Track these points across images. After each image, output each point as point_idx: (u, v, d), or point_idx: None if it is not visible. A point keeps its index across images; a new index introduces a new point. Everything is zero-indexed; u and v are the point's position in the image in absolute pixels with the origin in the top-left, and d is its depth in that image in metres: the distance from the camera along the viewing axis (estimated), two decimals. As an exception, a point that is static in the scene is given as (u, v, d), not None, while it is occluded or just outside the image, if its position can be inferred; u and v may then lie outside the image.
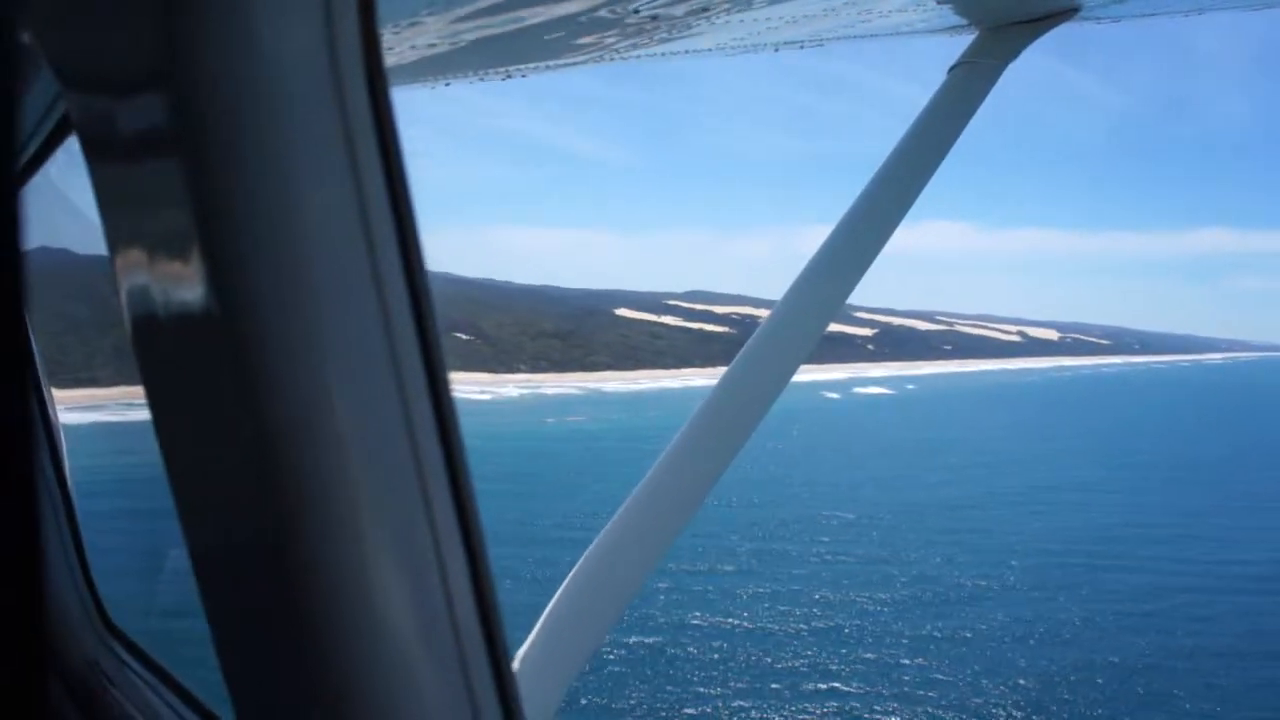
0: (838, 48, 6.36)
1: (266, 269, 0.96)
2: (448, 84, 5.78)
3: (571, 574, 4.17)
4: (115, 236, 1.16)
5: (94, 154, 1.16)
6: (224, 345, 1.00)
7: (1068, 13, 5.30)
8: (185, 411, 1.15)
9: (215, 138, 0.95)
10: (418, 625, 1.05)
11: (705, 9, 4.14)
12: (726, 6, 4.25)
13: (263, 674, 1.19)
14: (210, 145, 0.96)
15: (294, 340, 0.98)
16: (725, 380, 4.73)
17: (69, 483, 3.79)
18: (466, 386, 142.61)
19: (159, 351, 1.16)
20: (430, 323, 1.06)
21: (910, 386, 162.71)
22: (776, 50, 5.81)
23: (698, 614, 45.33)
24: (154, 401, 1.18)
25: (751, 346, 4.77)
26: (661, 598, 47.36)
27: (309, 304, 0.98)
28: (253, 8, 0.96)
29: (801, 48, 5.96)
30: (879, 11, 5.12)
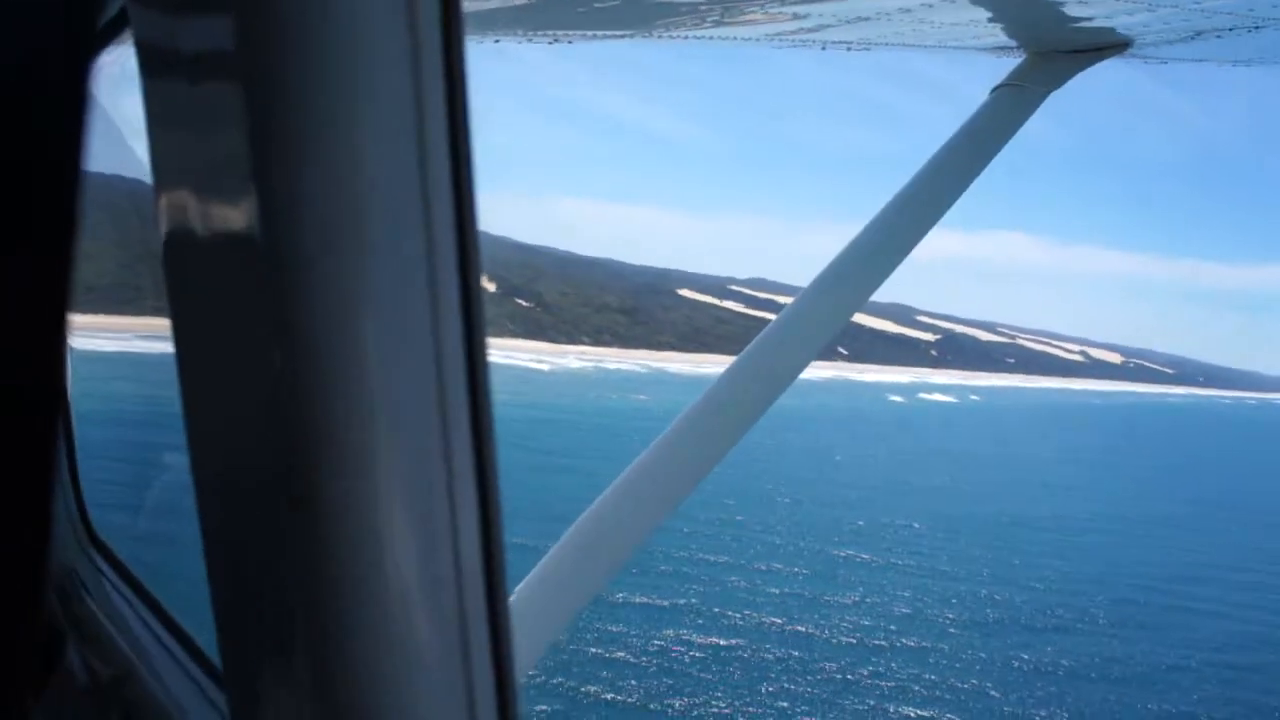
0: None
1: (315, 208, 0.96)
2: (497, 40, 5.67)
3: (567, 533, 4.44)
4: (162, 159, 1.14)
5: (151, 70, 1.13)
6: (263, 278, 0.99)
7: (1118, 47, 5.36)
8: (212, 345, 1.14)
9: (281, 71, 0.94)
10: (419, 581, 1.03)
11: None
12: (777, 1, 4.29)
13: (253, 611, 1.17)
14: (274, 78, 0.94)
15: (334, 283, 0.97)
16: (736, 366, 4.87)
17: (69, 400, 3.57)
18: (526, 354, 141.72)
19: (193, 281, 1.13)
20: (476, 290, 1.04)
21: (974, 397, 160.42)
22: (824, 48, 5.79)
23: (776, 619, 43.91)
24: (181, 332, 1.16)
25: (766, 335, 4.90)
26: (741, 595, 46.04)
27: (355, 248, 0.97)
28: None
29: (849, 49, 5.91)
30: (931, 23, 5.07)
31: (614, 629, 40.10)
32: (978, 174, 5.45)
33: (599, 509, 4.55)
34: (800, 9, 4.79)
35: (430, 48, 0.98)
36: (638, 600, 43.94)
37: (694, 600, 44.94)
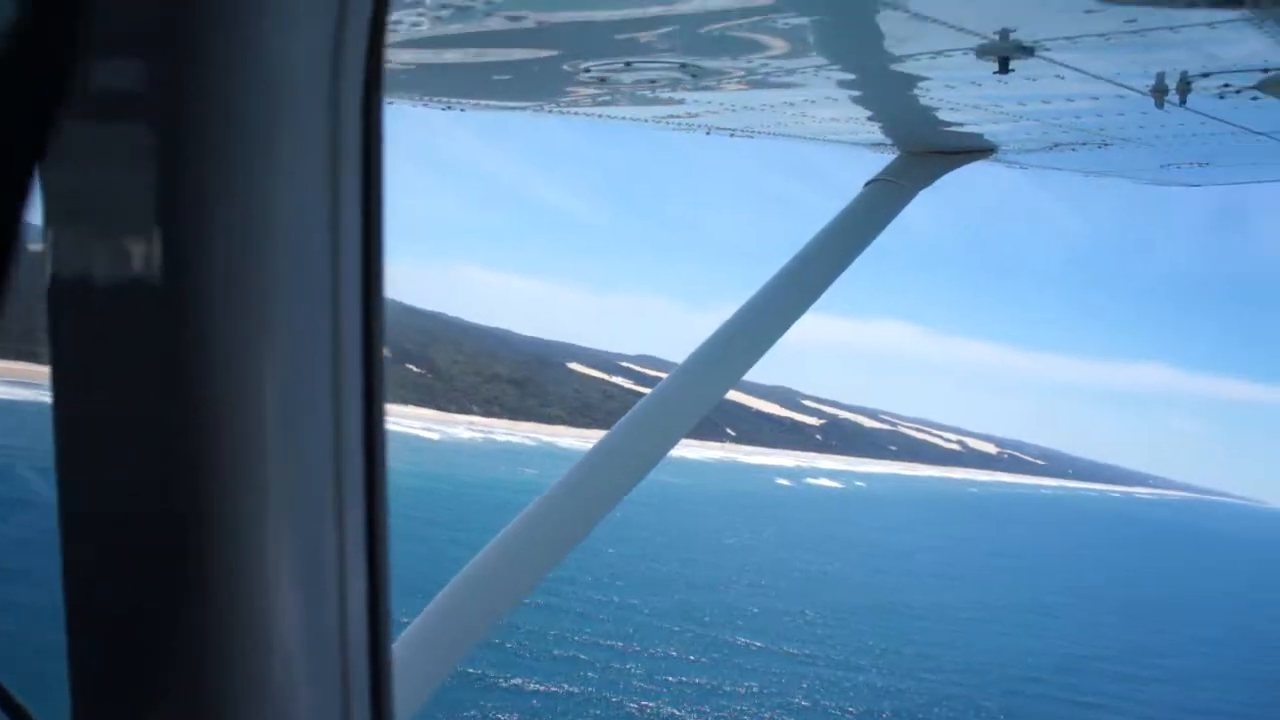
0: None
1: (223, 251, 0.93)
2: (391, 103, 5.83)
3: (450, 583, 4.67)
4: (57, 194, 1.05)
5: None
6: (164, 322, 0.95)
7: (984, 151, 5.86)
8: (99, 390, 1.05)
9: (201, 111, 0.92)
10: (303, 639, 1.00)
11: (652, 82, 4.49)
12: (671, 84, 4.54)
13: (116, 666, 1.08)
14: (194, 118, 0.92)
15: (236, 327, 0.94)
16: (613, 435, 5.10)
17: None
18: (416, 421, 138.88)
19: (80, 321, 1.04)
20: (377, 339, 1.03)
21: (858, 483, 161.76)
22: (708, 133, 6.07)
23: (675, 710, 42.81)
24: (61, 373, 1.05)
25: (642, 408, 5.15)
26: (639, 683, 44.84)
27: (259, 293, 0.94)
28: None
29: (732, 135, 6.17)
30: (812, 117, 5.37)
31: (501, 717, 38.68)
32: (849, 263, 5.66)
33: (482, 560, 4.78)
34: (689, 96, 4.95)
35: (350, 104, 0.97)
36: (532, 687, 42.39)
37: (590, 689, 43.58)
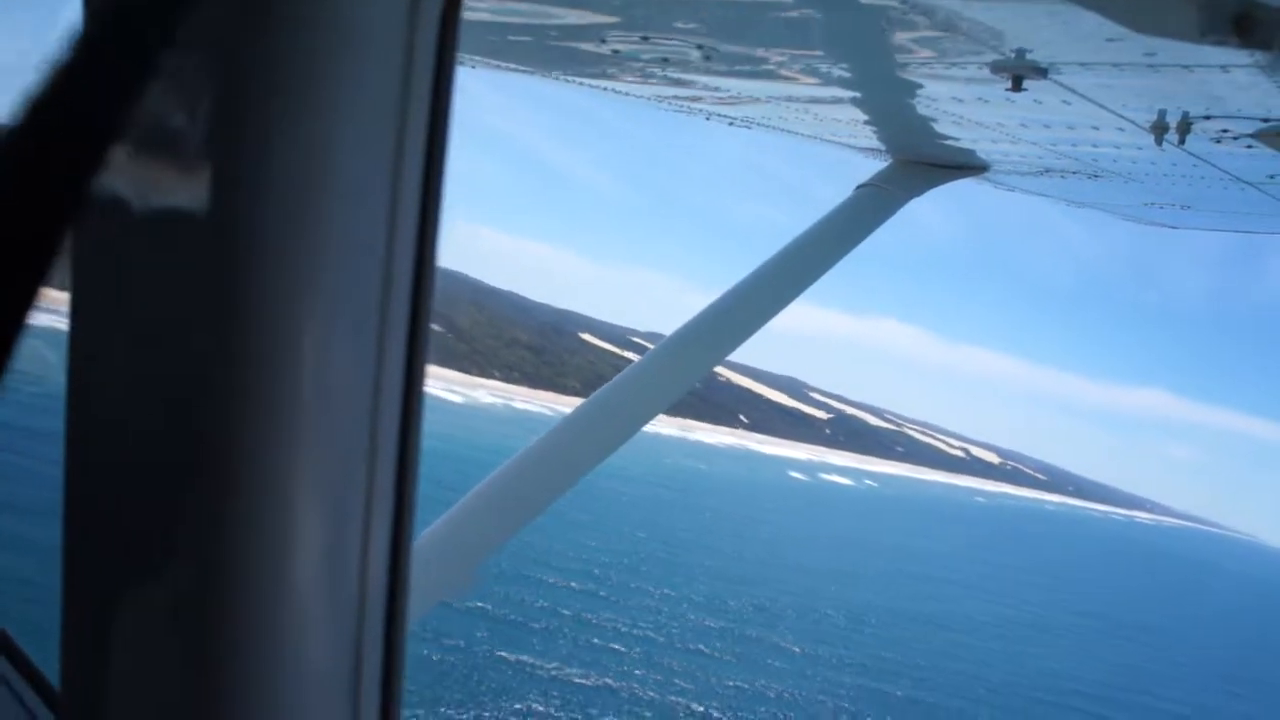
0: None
1: (278, 190, 0.90)
2: None
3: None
4: None
5: None
6: (210, 255, 0.91)
7: (976, 169, 6.04)
8: (121, 323, 1.00)
9: (266, 47, 0.89)
10: (320, 599, 0.98)
11: (664, 60, 4.53)
12: (682, 65, 4.60)
13: (111, 615, 1.03)
14: (259, 53, 0.89)
15: (286, 268, 0.91)
16: (596, 399, 5.58)
17: None
18: (440, 383, 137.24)
19: (105, 251, 0.99)
20: (424, 310, 1.01)
21: (869, 482, 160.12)
22: (707, 119, 6.22)
23: (698, 705, 41.70)
24: (82, 306, 1.00)
25: (625, 378, 5.66)
26: (679, 679, 43.79)
27: (313, 234, 0.91)
28: None
29: (731, 124, 6.27)
30: (812, 115, 5.53)
31: (538, 706, 37.69)
32: (833, 263, 5.76)
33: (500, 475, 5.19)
34: (698, 78, 4.99)
35: (424, 55, 0.95)
36: (566, 674, 41.35)
37: (634, 685, 42.53)
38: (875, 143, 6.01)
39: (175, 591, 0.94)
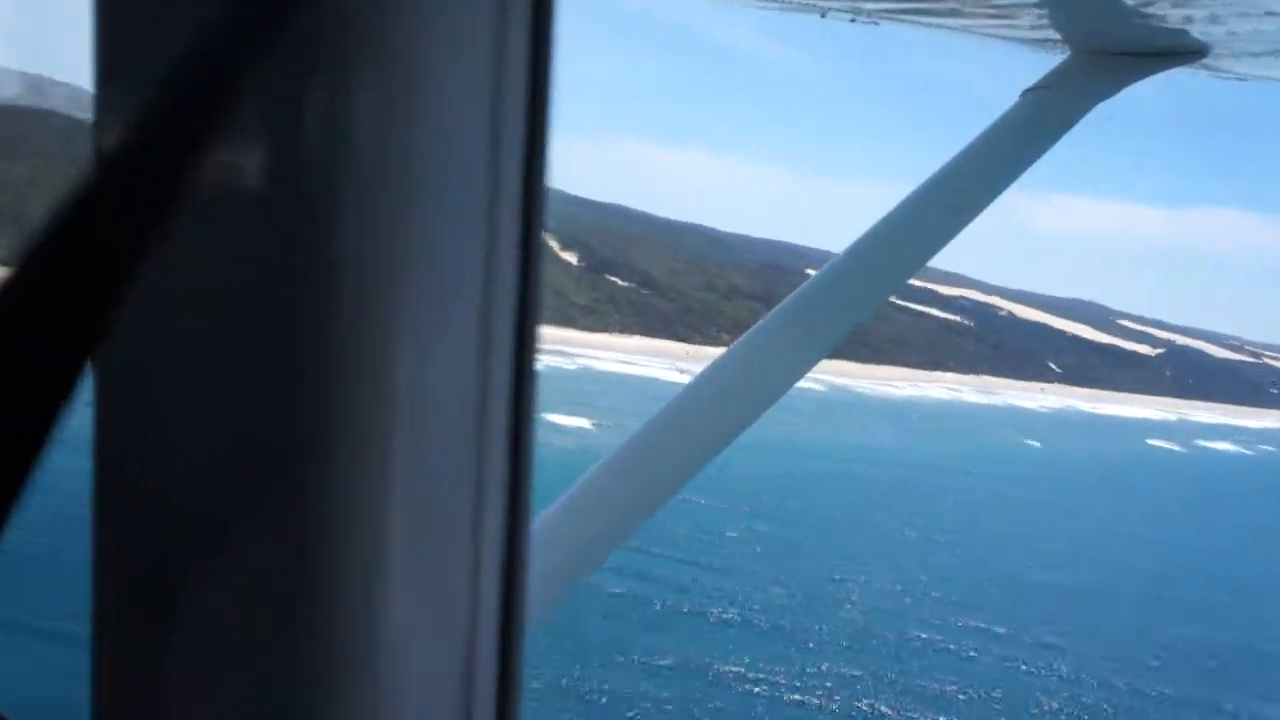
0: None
1: (363, 145, 0.85)
2: None
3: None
4: None
5: None
6: (288, 221, 0.87)
7: (1189, 55, 5.15)
8: (199, 296, 0.94)
9: None
10: (423, 616, 0.94)
11: None
12: None
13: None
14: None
15: (377, 235, 0.87)
16: (728, 357, 5.06)
17: None
18: (660, 361, 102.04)
19: (204, 226, 0.91)
20: (534, 287, 0.97)
21: (1266, 447, 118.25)
22: (823, 16, 5.76)
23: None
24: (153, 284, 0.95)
25: (766, 325, 5.03)
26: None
27: (406, 193, 0.87)
28: None
29: (853, 20, 5.77)
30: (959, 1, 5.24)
31: None
32: (1002, 189, 5.23)
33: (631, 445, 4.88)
34: None
35: (517, 50, 0.92)
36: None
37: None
38: (1048, 32, 5.19)
39: (267, 597, 0.93)
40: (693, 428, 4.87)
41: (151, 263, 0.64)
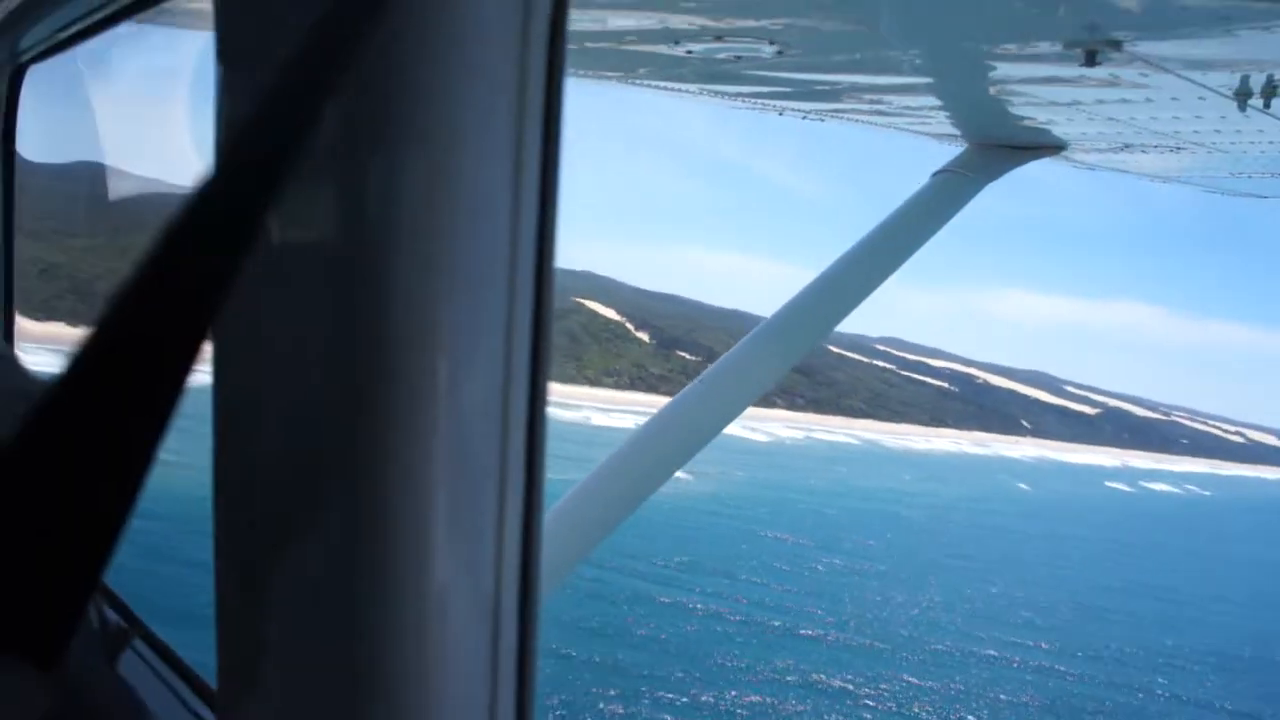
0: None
1: (405, 210, 0.97)
2: None
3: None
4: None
5: (231, 57, 1.09)
6: (339, 275, 0.99)
7: (1053, 149, 6.27)
8: (259, 332, 1.09)
9: (391, 70, 0.95)
10: (456, 595, 1.07)
11: (738, 57, 4.84)
12: (751, 65, 4.94)
13: (262, 616, 1.15)
14: (384, 75, 0.95)
15: (414, 281, 0.98)
16: (666, 410, 6.40)
17: None
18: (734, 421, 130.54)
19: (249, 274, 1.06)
20: (546, 318, 1.08)
21: (1190, 487, 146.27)
22: (780, 114, 6.86)
23: None
24: (228, 325, 1.10)
25: (695, 387, 6.31)
26: None
27: (439, 251, 0.98)
28: None
29: (804, 117, 6.96)
30: (886, 104, 5.96)
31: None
32: (912, 253, 6.20)
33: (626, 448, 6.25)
34: (769, 74, 5.33)
35: (536, 71, 1.01)
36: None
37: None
38: (949, 129, 6.28)
39: (323, 588, 1.05)
40: (658, 449, 6.05)
41: (236, 298, 0.70)
